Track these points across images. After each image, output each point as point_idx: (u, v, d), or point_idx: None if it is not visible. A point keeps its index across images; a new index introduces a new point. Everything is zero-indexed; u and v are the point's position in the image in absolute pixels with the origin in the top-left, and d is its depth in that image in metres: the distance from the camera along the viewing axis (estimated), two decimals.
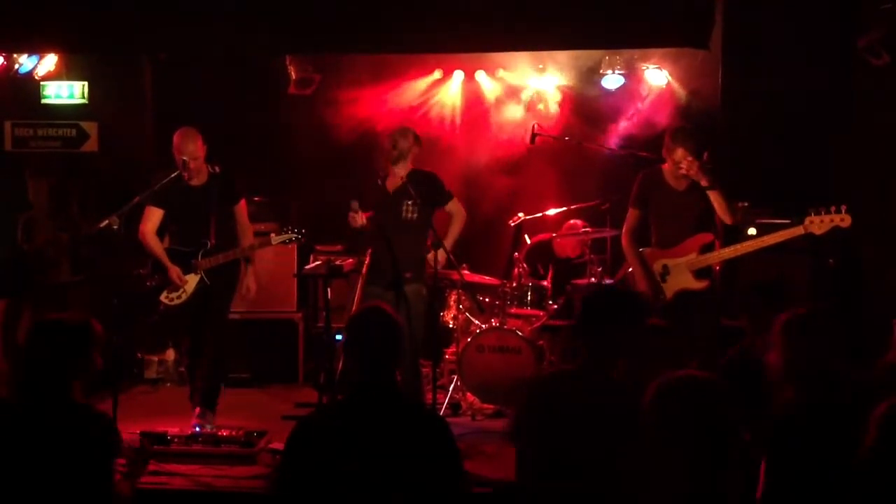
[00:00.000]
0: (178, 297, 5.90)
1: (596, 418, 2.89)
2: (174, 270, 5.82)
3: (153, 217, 5.85)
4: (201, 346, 5.99)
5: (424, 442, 2.94)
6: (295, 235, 6.01)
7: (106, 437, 3.35)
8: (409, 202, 5.77)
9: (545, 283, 6.89)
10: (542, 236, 7.38)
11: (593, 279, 6.66)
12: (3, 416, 3.31)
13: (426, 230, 5.76)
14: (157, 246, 5.87)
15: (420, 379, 5.83)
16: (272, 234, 6.05)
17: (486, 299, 6.98)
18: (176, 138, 5.77)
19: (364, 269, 5.94)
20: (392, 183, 5.86)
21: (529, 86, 7.87)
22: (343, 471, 2.85)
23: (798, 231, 5.20)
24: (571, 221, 7.34)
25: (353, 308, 5.75)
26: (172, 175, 5.73)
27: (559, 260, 7.38)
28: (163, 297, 5.91)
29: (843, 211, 5.07)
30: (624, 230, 5.74)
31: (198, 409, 5.85)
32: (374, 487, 2.83)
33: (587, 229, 6.94)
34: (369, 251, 5.94)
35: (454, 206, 5.98)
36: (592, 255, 6.74)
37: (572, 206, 7.16)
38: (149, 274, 5.94)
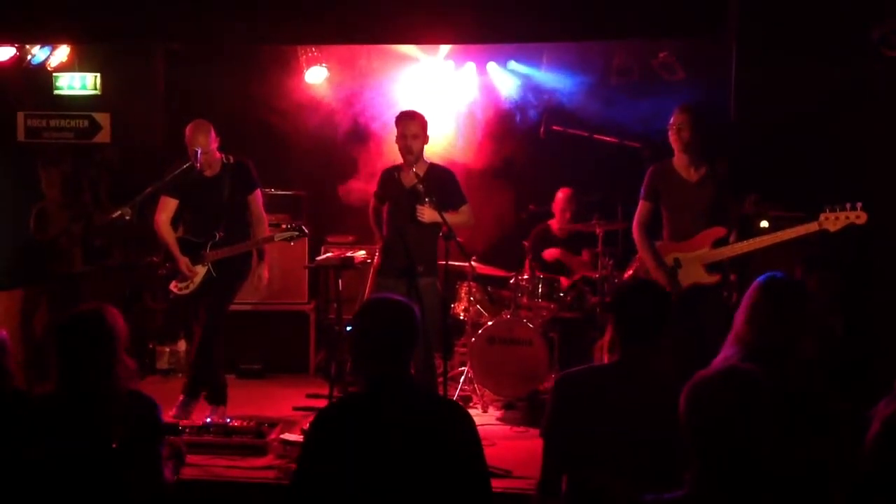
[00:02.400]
0: (187, 286, 5.95)
1: (635, 414, 2.86)
2: (183, 261, 5.87)
3: (168, 207, 5.92)
4: None
5: (447, 431, 2.93)
6: (296, 234, 6.03)
7: (152, 419, 3.41)
8: (426, 199, 5.75)
9: (562, 278, 6.90)
10: (539, 226, 7.43)
11: (604, 271, 6.65)
12: (48, 407, 3.35)
13: (439, 226, 5.72)
14: (168, 236, 5.92)
15: (434, 373, 5.84)
16: (275, 233, 6.05)
17: (499, 291, 7.00)
18: (188, 130, 5.80)
19: (376, 261, 5.95)
20: (408, 178, 5.83)
21: (541, 77, 7.84)
22: (364, 461, 2.84)
23: (813, 227, 5.18)
24: (560, 193, 7.36)
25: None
26: (184, 166, 5.76)
27: (563, 240, 7.39)
28: (172, 286, 5.97)
29: (859, 208, 5.05)
30: (635, 222, 5.73)
31: (180, 398, 5.91)
32: (396, 478, 2.83)
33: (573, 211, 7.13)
34: (381, 243, 5.95)
35: (465, 209, 5.90)
36: (597, 224, 6.74)
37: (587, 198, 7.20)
38: (161, 262, 6.00)
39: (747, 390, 2.27)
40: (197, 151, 5.70)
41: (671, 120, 5.57)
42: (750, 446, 2.22)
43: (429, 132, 5.87)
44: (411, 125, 5.76)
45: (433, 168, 5.91)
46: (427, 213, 5.66)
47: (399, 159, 5.92)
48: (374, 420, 2.90)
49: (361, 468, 2.84)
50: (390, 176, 5.92)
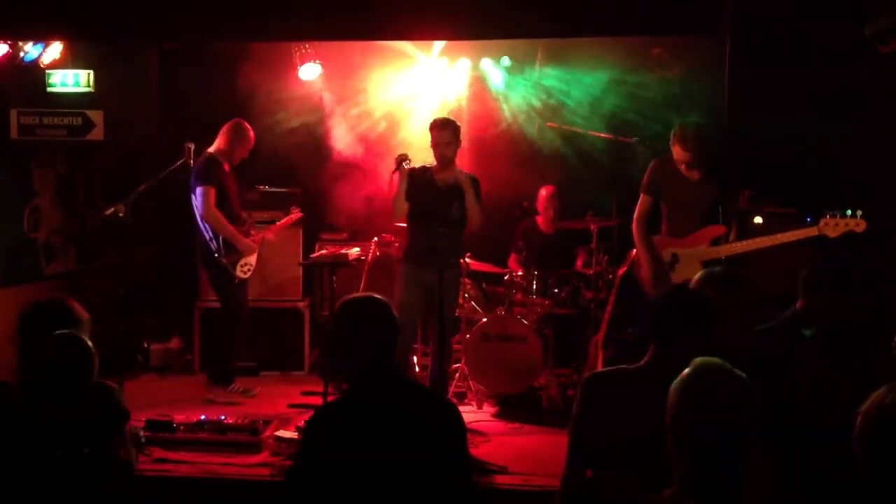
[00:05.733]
0: (250, 268, 6.49)
1: (660, 418, 2.84)
2: (246, 240, 6.45)
3: (213, 197, 6.29)
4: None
5: (438, 427, 2.97)
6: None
7: (115, 405, 3.45)
8: (458, 202, 5.87)
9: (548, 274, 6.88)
10: (526, 221, 7.44)
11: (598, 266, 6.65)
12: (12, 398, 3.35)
13: (465, 223, 5.93)
14: (228, 223, 6.36)
15: (448, 360, 6.12)
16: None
17: (493, 288, 7.00)
18: (238, 131, 6.46)
19: (402, 253, 6.07)
20: (443, 180, 5.94)
21: (535, 73, 7.84)
22: (359, 458, 2.86)
23: (812, 232, 5.23)
24: (543, 191, 7.37)
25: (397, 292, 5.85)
26: (178, 162, 5.90)
27: (549, 235, 7.39)
28: (238, 272, 6.39)
29: (859, 216, 5.10)
30: (635, 216, 5.76)
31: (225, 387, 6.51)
32: (389, 474, 2.85)
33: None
34: (409, 238, 6.03)
35: (480, 207, 5.97)
36: (591, 220, 6.73)
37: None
38: (220, 251, 6.31)
39: (723, 388, 2.27)
40: (190, 147, 5.87)
41: (675, 131, 5.57)
42: (729, 444, 2.22)
43: (460, 138, 6.02)
44: (444, 133, 5.90)
45: (466, 180, 6.00)
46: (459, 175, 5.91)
47: (427, 160, 6.08)
48: (371, 416, 2.92)
49: (356, 465, 2.85)
50: (422, 176, 5.97)
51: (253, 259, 6.52)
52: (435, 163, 5.96)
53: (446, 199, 5.90)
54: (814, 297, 3.89)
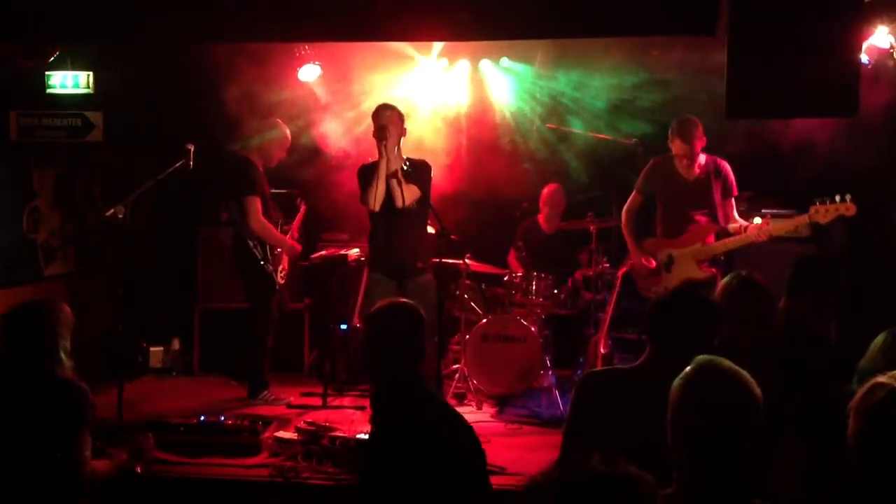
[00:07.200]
0: (285, 273, 6.49)
1: (654, 419, 2.85)
2: (292, 244, 6.45)
3: (259, 207, 6.22)
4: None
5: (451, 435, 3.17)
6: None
7: (73, 406, 3.45)
8: (412, 192, 5.69)
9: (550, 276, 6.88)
10: (527, 221, 7.45)
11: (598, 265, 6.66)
12: None
13: (426, 218, 5.77)
14: (274, 229, 6.33)
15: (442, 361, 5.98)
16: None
17: (493, 289, 7.00)
18: (276, 131, 6.41)
19: (368, 259, 5.96)
20: (392, 171, 5.73)
21: (534, 74, 7.85)
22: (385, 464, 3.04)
23: (803, 220, 5.21)
24: (546, 189, 7.36)
25: (359, 299, 5.74)
26: (178, 164, 5.86)
27: (550, 235, 7.39)
28: (278, 278, 6.38)
29: (849, 200, 5.07)
30: (624, 209, 5.85)
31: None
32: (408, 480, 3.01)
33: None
34: (372, 241, 5.91)
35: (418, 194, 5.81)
36: (591, 221, 6.72)
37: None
38: (267, 259, 6.27)
39: (725, 387, 2.27)
40: (191, 149, 5.83)
41: (673, 126, 5.59)
42: (729, 443, 2.22)
43: (406, 126, 5.88)
44: (383, 113, 5.76)
45: (409, 160, 5.84)
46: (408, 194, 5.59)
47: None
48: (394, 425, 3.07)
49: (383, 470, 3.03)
50: (374, 171, 5.86)
51: (286, 263, 6.50)
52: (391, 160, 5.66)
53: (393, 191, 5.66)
54: (792, 298, 3.92)
